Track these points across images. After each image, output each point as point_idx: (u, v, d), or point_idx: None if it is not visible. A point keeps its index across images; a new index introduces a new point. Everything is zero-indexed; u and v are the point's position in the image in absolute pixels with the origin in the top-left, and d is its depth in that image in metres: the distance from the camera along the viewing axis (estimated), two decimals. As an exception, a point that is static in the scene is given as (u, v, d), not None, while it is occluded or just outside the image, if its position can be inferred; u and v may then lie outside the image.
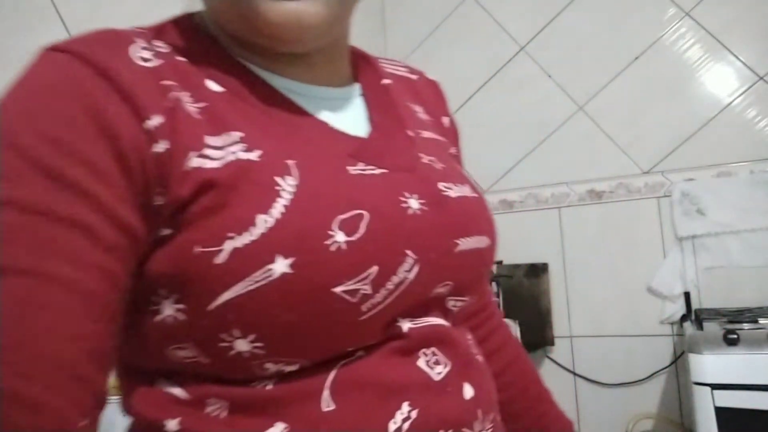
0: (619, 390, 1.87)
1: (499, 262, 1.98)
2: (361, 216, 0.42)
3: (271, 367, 0.42)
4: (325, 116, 0.50)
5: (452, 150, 0.63)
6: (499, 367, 0.66)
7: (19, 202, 0.37)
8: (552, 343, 1.96)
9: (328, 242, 0.40)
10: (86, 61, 0.41)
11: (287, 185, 0.42)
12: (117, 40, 0.44)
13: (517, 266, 1.99)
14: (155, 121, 0.41)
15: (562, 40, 2.06)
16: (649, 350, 1.84)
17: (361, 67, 0.60)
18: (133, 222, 0.40)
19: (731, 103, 1.82)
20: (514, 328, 1.78)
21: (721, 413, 1.28)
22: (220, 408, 0.43)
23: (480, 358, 0.52)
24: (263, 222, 0.40)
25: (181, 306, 0.41)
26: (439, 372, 0.46)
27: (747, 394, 1.27)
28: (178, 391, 0.44)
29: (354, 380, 0.43)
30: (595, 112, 2.00)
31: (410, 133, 0.55)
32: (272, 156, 0.43)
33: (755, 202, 1.74)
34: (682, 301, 1.79)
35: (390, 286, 0.43)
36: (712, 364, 1.30)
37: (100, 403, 0.39)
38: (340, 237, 0.41)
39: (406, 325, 0.46)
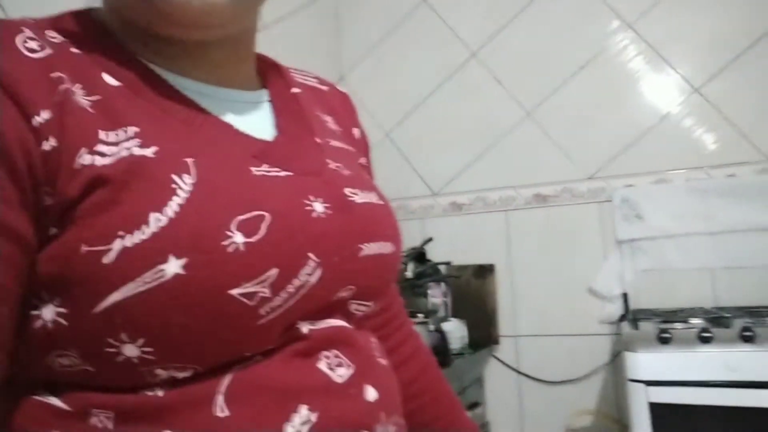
0: (560, 387, 1.93)
1: (448, 263, 2.02)
2: (262, 217, 0.41)
3: (161, 373, 0.40)
4: (229, 118, 0.49)
5: (362, 160, 0.63)
6: (410, 377, 0.65)
7: None
8: (497, 342, 2.01)
9: (225, 243, 0.39)
10: None
11: (184, 183, 0.40)
12: (1, 29, 0.40)
13: (465, 267, 2.03)
14: (43, 117, 0.38)
15: (511, 48, 2.11)
16: (589, 349, 1.91)
17: (270, 75, 0.59)
18: (22, 228, 0.37)
19: (669, 113, 1.91)
20: (462, 328, 1.82)
21: (655, 408, 1.34)
22: (105, 419, 0.40)
23: (383, 360, 0.52)
24: (156, 220, 0.38)
25: (63, 310, 0.39)
26: (341, 374, 0.45)
27: (679, 390, 1.34)
28: (59, 403, 0.41)
29: (250, 384, 0.42)
30: (542, 118, 2.06)
31: (318, 140, 0.54)
32: (169, 153, 0.41)
33: (690, 208, 1.83)
34: (620, 302, 1.87)
35: (291, 289, 0.42)
36: (646, 362, 1.36)
37: None
38: (239, 238, 0.40)
39: (306, 328, 0.45)
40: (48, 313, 0.39)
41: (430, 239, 1.94)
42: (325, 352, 0.45)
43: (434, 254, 1.99)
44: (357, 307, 0.50)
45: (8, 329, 0.38)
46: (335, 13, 2.36)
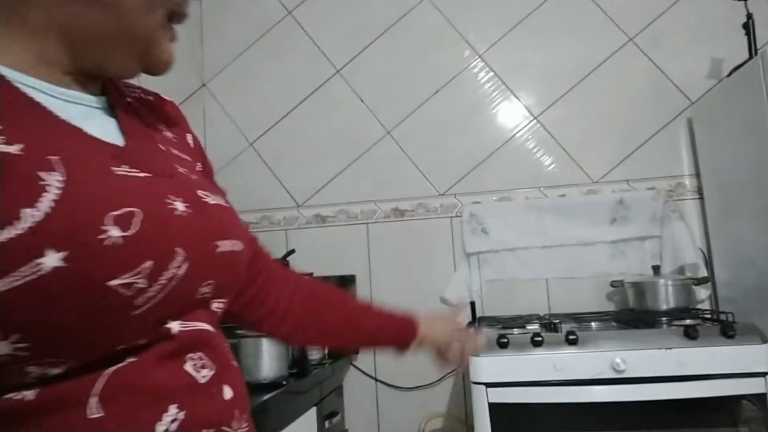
0: (414, 393, 2.03)
1: (310, 274, 2.04)
2: (133, 213, 0.44)
3: (34, 370, 0.41)
4: (78, 121, 0.49)
5: (198, 166, 0.65)
6: (302, 311, 0.75)
7: None
8: (357, 351, 2.06)
9: (102, 236, 0.41)
10: None
11: (54, 180, 0.41)
12: None
13: (327, 278, 2.07)
14: None
15: (374, 68, 2.20)
16: (440, 355, 2.03)
17: (106, 84, 0.60)
18: None
19: (512, 137, 2.10)
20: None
21: (493, 408, 1.46)
22: None
23: (235, 363, 0.57)
24: (30, 216, 0.39)
25: None
26: (204, 375, 0.50)
27: (514, 390, 1.46)
28: None
29: (123, 385, 0.44)
30: (400, 137, 2.16)
31: (161, 146, 0.58)
32: (34, 151, 0.42)
33: (528, 224, 2.02)
34: (468, 310, 2.01)
35: (163, 280, 0.45)
36: (486, 365, 1.48)
37: None
38: (115, 232, 0.41)
39: (175, 327, 0.48)
40: None
41: (292, 251, 1.96)
42: (191, 354, 0.49)
43: (297, 265, 2.01)
44: (217, 305, 0.54)
45: None
46: (198, 19, 2.32)
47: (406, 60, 2.19)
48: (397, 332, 0.84)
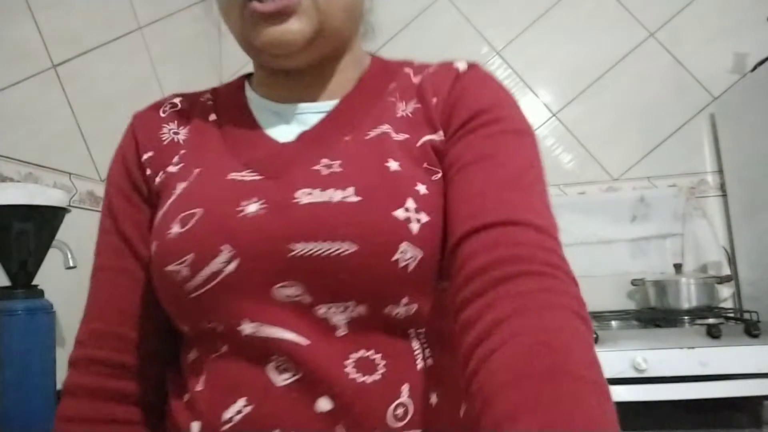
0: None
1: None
2: (194, 214, 0.50)
3: (182, 327, 0.54)
4: (272, 128, 0.59)
5: (428, 137, 0.57)
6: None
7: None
8: None
9: (168, 232, 0.51)
10: (131, 123, 0.62)
11: (179, 189, 0.54)
12: (158, 103, 0.63)
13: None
14: (147, 156, 0.59)
15: (391, 65, 2.19)
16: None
17: (370, 79, 0.63)
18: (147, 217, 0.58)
19: (531, 134, 2.08)
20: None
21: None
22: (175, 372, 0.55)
23: (368, 378, 0.48)
24: (158, 216, 0.54)
25: None
26: (285, 378, 0.47)
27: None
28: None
29: (214, 372, 0.51)
30: (417, 134, 2.15)
31: (347, 138, 0.55)
32: (187, 167, 0.56)
33: (547, 222, 2.00)
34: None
35: (206, 273, 0.48)
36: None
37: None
38: (176, 228, 0.50)
39: (247, 329, 0.48)
40: None
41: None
42: (276, 357, 0.48)
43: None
44: (333, 311, 0.49)
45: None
46: (217, 16, 2.32)
47: (423, 57, 2.16)
48: None
